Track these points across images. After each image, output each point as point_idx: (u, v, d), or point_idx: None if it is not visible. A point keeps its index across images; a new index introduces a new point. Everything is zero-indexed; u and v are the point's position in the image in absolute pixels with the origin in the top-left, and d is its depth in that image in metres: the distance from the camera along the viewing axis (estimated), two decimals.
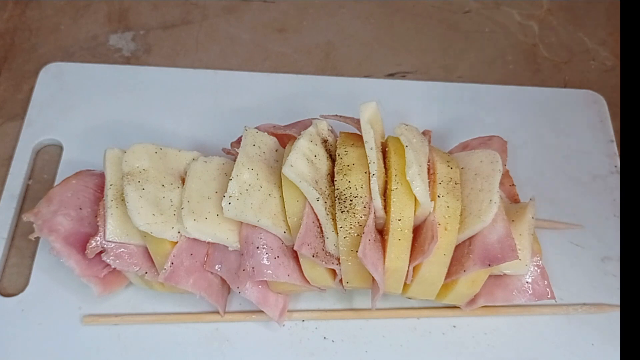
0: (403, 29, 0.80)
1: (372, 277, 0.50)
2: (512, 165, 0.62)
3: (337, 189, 0.51)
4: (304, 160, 0.52)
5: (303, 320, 0.58)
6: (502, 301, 0.55)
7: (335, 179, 0.52)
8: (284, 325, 0.57)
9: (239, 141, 0.56)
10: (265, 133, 0.56)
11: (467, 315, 0.58)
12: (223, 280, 0.55)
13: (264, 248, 0.51)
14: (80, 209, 0.54)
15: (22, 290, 0.58)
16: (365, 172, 0.52)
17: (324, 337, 0.57)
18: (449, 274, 0.52)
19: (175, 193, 0.54)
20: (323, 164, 0.54)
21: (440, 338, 0.57)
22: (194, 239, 0.52)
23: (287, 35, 0.78)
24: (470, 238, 0.52)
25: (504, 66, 0.77)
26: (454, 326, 0.58)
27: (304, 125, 0.57)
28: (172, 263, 0.51)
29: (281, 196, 0.53)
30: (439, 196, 0.53)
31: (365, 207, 0.51)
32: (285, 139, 0.58)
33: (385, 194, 0.52)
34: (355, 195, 0.51)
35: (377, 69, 0.76)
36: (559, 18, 0.82)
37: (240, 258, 0.52)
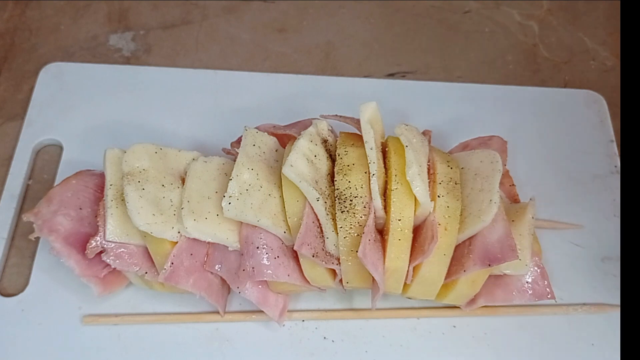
0: (403, 29, 0.80)
1: (372, 277, 0.50)
2: (512, 165, 0.62)
3: (337, 189, 0.52)
4: (304, 160, 0.52)
5: (303, 320, 0.58)
6: (502, 301, 0.55)
7: (335, 179, 0.52)
8: (284, 325, 0.57)
9: (239, 141, 0.56)
10: (265, 133, 0.56)
11: (467, 315, 0.58)
12: (223, 280, 0.55)
13: (264, 248, 0.51)
14: (80, 209, 0.54)
15: (22, 290, 0.58)
16: (365, 172, 0.52)
17: (324, 337, 0.57)
18: (449, 274, 0.52)
19: (175, 193, 0.54)
20: (323, 164, 0.54)
21: (440, 338, 0.57)
22: (194, 239, 0.52)
23: (287, 35, 0.78)
24: (470, 238, 0.52)
25: (504, 66, 0.77)
26: (454, 326, 0.58)
27: (304, 125, 0.57)
28: (172, 263, 0.51)
29: (281, 196, 0.53)
30: (439, 196, 0.53)
31: (365, 207, 0.51)
32: (285, 139, 0.58)
33: (385, 194, 0.52)
34: (355, 195, 0.51)
35: (377, 69, 0.76)
36: (559, 18, 0.82)
37: (240, 258, 0.52)
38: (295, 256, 0.52)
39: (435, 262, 0.51)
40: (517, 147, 0.68)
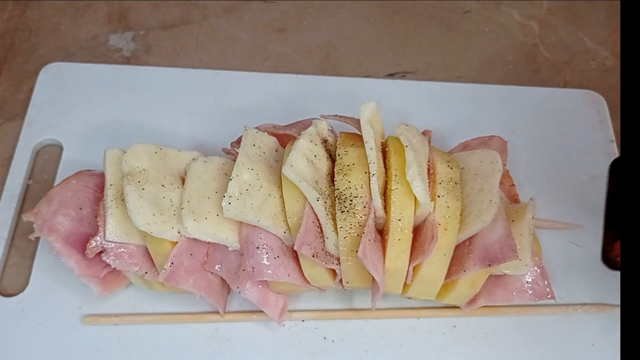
0: (403, 29, 0.80)
1: (372, 277, 0.50)
2: (512, 165, 0.62)
3: (337, 189, 0.52)
4: (304, 160, 0.52)
5: (303, 320, 0.58)
6: (502, 301, 0.55)
7: (335, 179, 0.52)
8: (284, 325, 0.57)
9: (239, 141, 0.56)
10: (265, 133, 0.56)
11: (467, 315, 0.58)
12: (223, 280, 0.55)
13: (264, 248, 0.51)
14: (80, 209, 0.54)
15: (22, 290, 0.58)
16: (365, 172, 0.52)
17: (324, 337, 0.57)
18: (449, 274, 0.52)
19: (175, 193, 0.54)
20: (323, 164, 0.54)
21: (440, 338, 0.57)
22: (194, 239, 0.52)
23: (287, 35, 0.78)
24: (470, 238, 0.52)
25: (504, 66, 0.77)
26: (454, 326, 0.58)
27: (304, 125, 0.57)
28: (172, 263, 0.51)
29: (281, 196, 0.53)
30: (439, 196, 0.53)
31: (365, 207, 0.51)
32: (285, 139, 0.58)
33: (385, 194, 0.52)
34: (355, 195, 0.51)
35: (377, 69, 0.76)
36: (559, 18, 0.82)
37: (240, 258, 0.52)
38: (295, 256, 0.52)
39: (435, 262, 0.51)
40: (517, 147, 0.68)
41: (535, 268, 0.54)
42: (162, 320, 0.57)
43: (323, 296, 0.59)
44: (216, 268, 0.53)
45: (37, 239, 0.59)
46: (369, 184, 0.51)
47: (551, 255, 0.62)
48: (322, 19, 0.80)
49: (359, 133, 0.56)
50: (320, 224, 0.51)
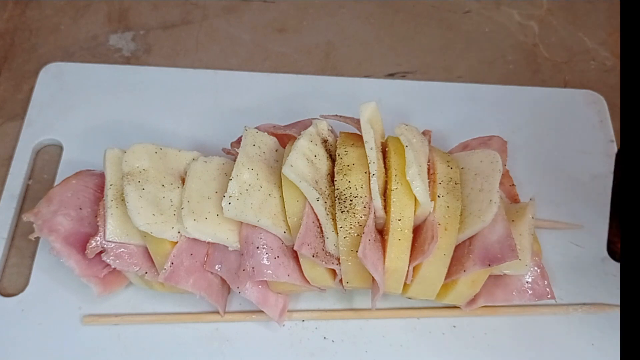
0: (403, 29, 0.80)
1: (372, 277, 0.50)
2: (512, 165, 0.62)
3: (337, 189, 0.52)
4: (304, 160, 0.52)
5: (303, 320, 0.58)
6: (502, 301, 0.55)
7: (335, 179, 0.52)
8: (284, 325, 0.57)
9: (239, 141, 0.56)
10: (265, 133, 0.56)
11: (467, 315, 0.58)
12: (223, 280, 0.55)
13: (264, 248, 0.51)
14: (80, 209, 0.54)
15: (22, 290, 0.58)
16: (365, 172, 0.52)
17: (324, 337, 0.57)
18: (449, 274, 0.52)
19: (175, 193, 0.54)
20: (323, 164, 0.54)
21: (440, 338, 0.57)
22: (194, 239, 0.52)
23: (287, 35, 0.78)
24: (470, 238, 0.52)
25: (504, 66, 0.77)
26: (454, 326, 0.58)
27: (304, 125, 0.57)
28: (172, 263, 0.51)
29: (281, 196, 0.53)
30: (439, 196, 0.53)
31: (365, 207, 0.51)
32: (285, 139, 0.58)
33: (385, 194, 0.52)
34: (355, 195, 0.51)
35: (377, 69, 0.76)
36: (559, 18, 0.82)
37: (240, 258, 0.52)
38: (295, 256, 0.52)
39: (435, 262, 0.51)
40: (517, 147, 0.68)
41: (535, 268, 0.54)
42: (162, 320, 0.57)
43: (323, 296, 0.59)
44: (216, 268, 0.53)
45: (37, 239, 0.59)
46: (369, 184, 0.51)
47: (551, 255, 0.62)
48: (322, 19, 0.80)
49: (359, 133, 0.56)
50: (320, 224, 0.51)
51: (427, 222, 0.52)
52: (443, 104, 0.72)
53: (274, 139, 0.57)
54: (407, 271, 0.51)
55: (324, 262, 0.50)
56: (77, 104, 0.68)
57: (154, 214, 0.51)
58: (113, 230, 0.52)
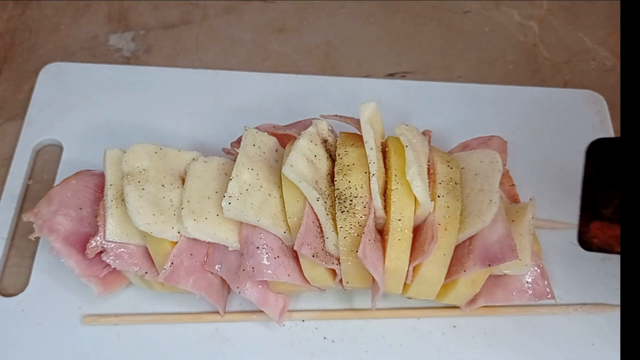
0: (403, 29, 0.80)
1: (372, 277, 0.50)
2: (512, 165, 0.62)
3: (337, 189, 0.52)
4: (304, 160, 0.52)
5: (303, 320, 0.58)
6: (502, 301, 0.55)
7: (335, 179, 0.52)
8: (284, 325, 0.57)
9: (239, 141, 0.56)
10: (265, 133, 0.56)
11: (467, 315, 0.58)
12: (223, 280, 0.55)
13: (264, 248, 0.51)
14: (80, 209, 0.54)
15: (22, 290, 0.58)
16: (365, 172, 0.52)
17: (324, 337, 0.57)
18: (449, 274, 0.52)
19: (175, 193, 0.54)
20: (323, 164, 0.54)
21: (440, 338, 0.57)
22: (194, 239, 0.52)
23: (287, 35, 0.78)
24: (470, 238, 0.52)
25: (504, 66, 0.77)
26: (454, 326, 0.58)
27: (304, 125, 0.57)
28: (172, 263, 0.51)
29: (281, 196, 0.53)
30: (439, 196, 0.53)
31: (365, 207, 0.51)
32: (285, 139, 0.58)
33: (385, 194, 0.52)
34: (355, 195, 0.51)
35: (377, 69, 0.76)
36: (559, 18, 0.82)
37: (240, 258, 0.52)
38: (295, 256, 0.52)
39: (435, 262, 0.51)
40: (517, 147, 0.68)
41: (535, 268, 0.54)
42: (162, 320, 0.57)
43: (323, 296, 0.59)
44: (216, 268, 0.53)
45: (37, 239, 0.59)
46: (369, 184, 0.51)
47: (551, 255, 0.62)
48: (322, 19, 0.80)
49: (359, 133, 0.56)
50: (320, 224, 0.51)
51: (427, 222, 0.52)
52: (443, 104, 0.72)
53: (274, 139, 0.57)
54: (407, 271, 0.51)
55: (324, 262, 0.50)
56: (77, 104, 0.68)
57: (154, 214, 0.51)
58: (113, 230, 0.52)
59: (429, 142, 0.58)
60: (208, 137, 0.67)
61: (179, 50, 0.76)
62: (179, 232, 0.52)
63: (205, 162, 0.56)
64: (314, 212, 0.51)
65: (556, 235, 0.63)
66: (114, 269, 0.53)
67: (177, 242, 0.52)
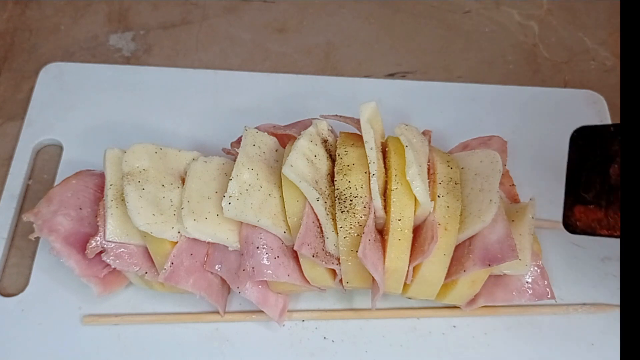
0: (403, 29, 0.80)
1: (372, 277, 0.50)
2: (512, 165, 0.62)
3: (337, 189, 0.52)
4: (304, 160, 0.52)
5: (303, 320, 0.58)
6: (502, 301, 0.55)
7: (335, 179, 0.52)
8: (284, 325, 0.57)
9: (239, 141, 0.56)
10: (265, 133, 0.56)
11: (467, 315, 0.58)
12: (223, 280, 0.55)
13: (264, 248, 0.51)
14: (80, 209, 0.54)
15: (22, 290, 0.58)
16: (365, 172, 0.52)
17: (324, 337, 0.57)
18: (449, 274, 0.52)
19: (175, 193, 0.54)
20: (323, 164, 0.54)
21: (440, 338, 0.57)
22: (194, 239, 0.52)
23: (287, 35, 0.78)
24: (470, 238, 0.52)
25: (504, 66, 0.77)
26: (454, 326, 0.58)
27: (304, 125, 0.57)
28: (172, 263, 0.51)
29: (281, 196, 0.53)
30: (439, 196, 0.53)
31: (365, 207, 0.51)
32: (285, 139, 0.58)
33: (385, 194, 0.52)
34: (355, 195, 0.51)
35: (377, 69, 0.76)
36: (559, 18, 0.82)
37: (240, 258, 0.52)
38: (295, 256, 0.52)
39: (435, 262, 0.51)
40: (517, 147, 0.68)
41: (535, 268, 0.54)
42: (162, 320, 0.57)
43: (323, 296, 0.59)
44: (216, 268, 0.53)
45: (37, 239, 0.59)
46: (369, 184, 0.51)
47: (551, 255, 0.62)
48: (322, 19, 0.80)
49: (359, 133, 0.56)
50: (320, 224, 0.51)
51: (427, 222, 0.52)
52: (443, 104, 0.72)
53: (274, 139, 0.57)
54: (407, 271, 0.51)
55: (324, 262, 0.50)
56: (77, 104, 0.68)
57: (154, 214, 0.51)
58: (113, 230, 0.52)
59: (429, 142, 0.58)
60: (208, 137, 0.67)
61: (179, 50, 0.76)
62: (179, 232, 0.52)
63: (205, 162, 0.56)
64: (314, 212, 0.51)
65: (556, 235, 0.63)
66: (114, 269, 0.53)
67: (177, 242, 0.52)
